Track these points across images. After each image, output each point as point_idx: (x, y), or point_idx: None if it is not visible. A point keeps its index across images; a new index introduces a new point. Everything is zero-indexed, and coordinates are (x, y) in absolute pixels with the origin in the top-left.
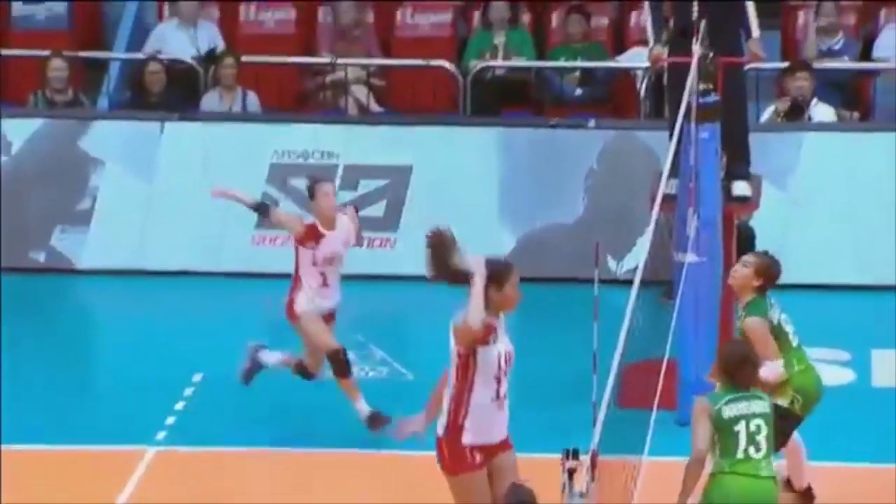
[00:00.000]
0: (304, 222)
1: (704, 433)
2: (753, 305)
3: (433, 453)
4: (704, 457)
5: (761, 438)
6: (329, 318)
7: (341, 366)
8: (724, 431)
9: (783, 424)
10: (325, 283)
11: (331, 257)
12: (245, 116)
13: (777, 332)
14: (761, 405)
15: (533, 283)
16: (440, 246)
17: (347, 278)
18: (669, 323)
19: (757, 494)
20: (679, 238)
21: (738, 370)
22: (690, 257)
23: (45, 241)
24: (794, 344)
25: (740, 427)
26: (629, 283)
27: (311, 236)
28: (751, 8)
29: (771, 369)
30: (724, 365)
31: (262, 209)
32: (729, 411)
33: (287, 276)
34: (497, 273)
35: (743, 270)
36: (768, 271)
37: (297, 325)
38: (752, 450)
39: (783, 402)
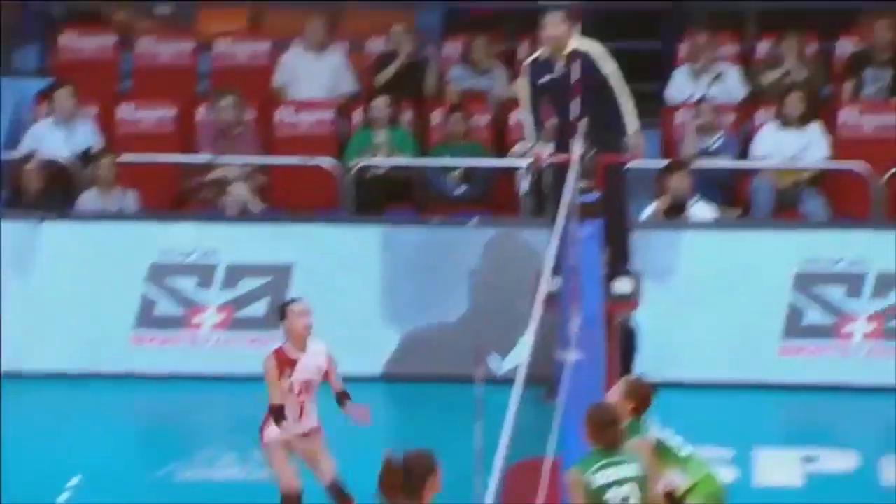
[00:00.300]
0: (271, 357)
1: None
2: (630, 429)
3: None
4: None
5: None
6: (307, 436)
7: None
8: (595, 502)
9: None
10: (301, 414)
11: (307, 383)
12: (124, 215)
13: (660, 451)
14: (632, 469)
15: (416, 382)
16: None
17: (226, 379)
18: (552, 422)
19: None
20: (561, 336)
21: (605, 431)
22: (573, 355)
23: None
24: (684, 455)
25: (610, 495)
26: (512, 381)
27: (284, 365)
28: (627, 104)
29: (664, 483)
30: (591, 427)
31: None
32: (599, 480)
33: (167, 376)
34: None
35: (613, 396)
36: (638, 394)
37: (264, 452)
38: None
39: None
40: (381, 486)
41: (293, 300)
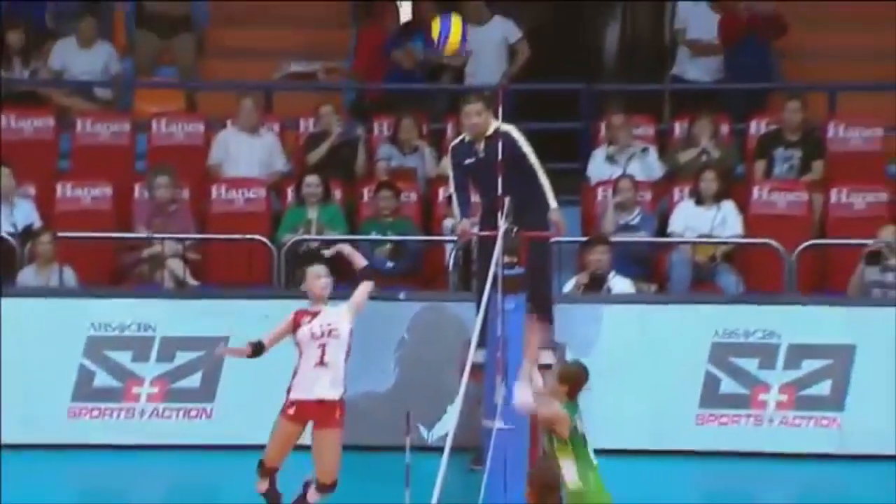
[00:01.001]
0: (291, 313)
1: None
2: (567, 410)
3: None
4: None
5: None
6: (318, 406)
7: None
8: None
9: None
10: (322, 362)
11: (328, 330)
12: (62, 291)
13: (575, 439)
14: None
15: (346, 451)
16: None
17: (162, 448)
18: (479, 488)
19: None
20: (488, 406)
21: (547, 496)
22: (499, 424)
23: None
24: (592, 460)
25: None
26: (440, 450)
27: (301, 317)
28: (545, 182)
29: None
30: (533, 488)
31: (258, 347)
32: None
33: (103, 446)
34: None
35: (549, 381)
36: (571, 376)
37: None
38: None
39: None
40: None
41: (311, 264)
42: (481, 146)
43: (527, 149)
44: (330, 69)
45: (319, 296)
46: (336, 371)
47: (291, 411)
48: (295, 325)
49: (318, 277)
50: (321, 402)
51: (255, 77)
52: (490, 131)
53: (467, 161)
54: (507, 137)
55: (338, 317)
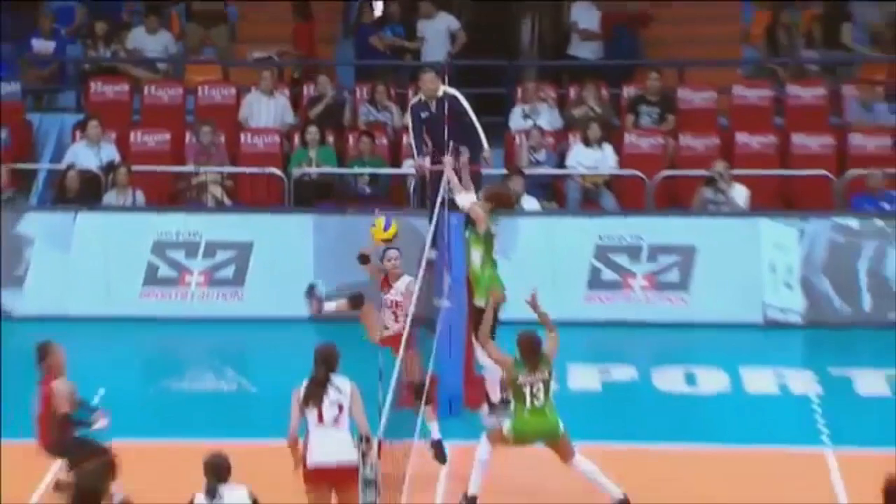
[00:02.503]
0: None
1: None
2: (491, 219)
3: None
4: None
5: (541, 394)
6: (396, 339)
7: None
8: (517, 392)
9: (478, 317)
10: (395, 320)
11: (395, 302)
12: (135, 208)
13: (487, 237)
14: (543, 374)
15: (340, 323)
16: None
17: (206, 320)
18: (432, 348)
19: (541, 425)
20: (437, 289)
21: (527, 352)
22: (445, 303)
23: None
24: (494, 256)
25: (525, 389)
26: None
27: (384, 284)
28: (479, 131)
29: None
30: (520, 349)
31: (357, 300)
32: (522, 379)
33: (169, 319)
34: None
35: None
36: (496, 196)
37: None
38: (532, 403)
39: (480, 303)
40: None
41: (388, 248)
42: (433, 105)
43: (466, 106)
44: (282, 52)
45: (394, 274)
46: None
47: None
48: (381, 288)
49: (391, 260)
50: (398, 335)
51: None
52: (440, 94)
53: (423, 115)
54: (452, 98)
55: (404, 292)
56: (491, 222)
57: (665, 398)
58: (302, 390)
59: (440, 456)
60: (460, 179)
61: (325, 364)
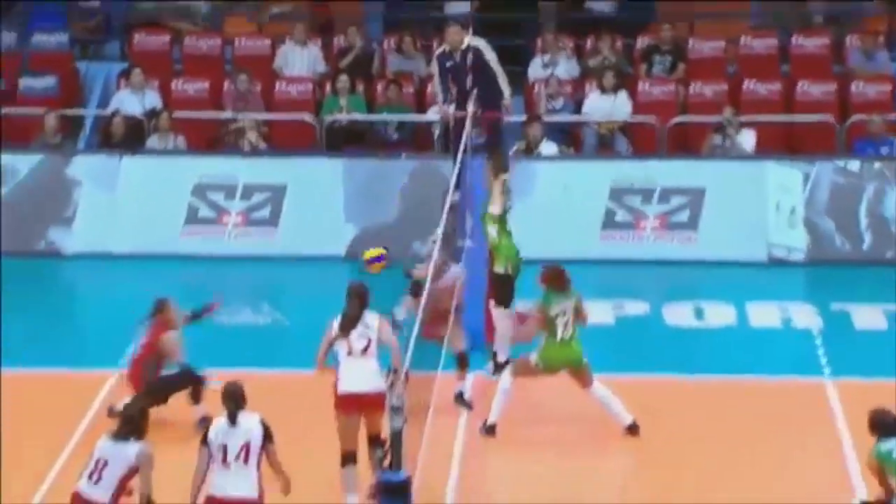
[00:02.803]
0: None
1: (539, 325)
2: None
3: None
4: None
5: (569, 326)
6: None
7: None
8: (549, 322)
9: (497, 283)
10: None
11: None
12: (176, 152)
13: (502, 218)
14: (569, 303)
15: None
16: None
17: (244, 258)
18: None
19: (568, 355)
20: (461, 231)
21: (557, 280)
22: (468, 243)
23: (43, 235)
24: (508, 229)
25: (559, 319)
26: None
27: (435, 276)
28: (503, 80)
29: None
30: (547, 279)
31: (417, 287)
32: (552, 310)
33: (209, 257)
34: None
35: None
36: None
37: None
38: (562, 333)
39: (499, 269)
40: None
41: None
42: (458, 55)
43: (490, 56)
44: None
45: (438, 268)
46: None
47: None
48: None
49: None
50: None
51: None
52: (464, 45)
53: (448, 64)
54: (476, 50)
55: (452, 280)
56: (507, 202)
57: (674, 332)
58: (336, 323)
59: (465, 405)
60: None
61: (359, 299)
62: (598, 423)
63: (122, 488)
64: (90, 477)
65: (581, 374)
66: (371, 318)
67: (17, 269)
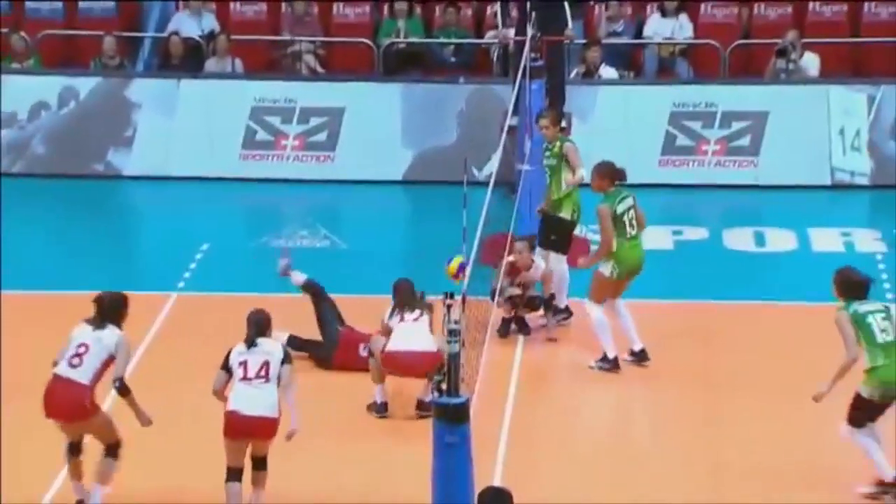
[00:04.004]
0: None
1: (609, 226)
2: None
3: None
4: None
5: (634, 221)
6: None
7: None
8: (617, 220)
9: (566, 231)
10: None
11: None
12: (234, 75)
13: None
14: (631, 199)
15: (425, 185)
16: None
17: (301, 182)
18: (513, 208)
19: (639, 254)
20: (519, 153)
21: (617, 173)
22: (526, 166)
23: (103, 156)
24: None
25: (625, 216)
26: (487, 184)
27: (510, 272)
28: (569, 9)
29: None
30: (604, 174)
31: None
32: (620, 207)
33: (266, 180)
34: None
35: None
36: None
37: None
38: (631, 230)
39: (566, 214)
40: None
41: (518, 239)
42: None
43: None
44: None
45: (525, 265)
46: None
47: None
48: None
49: (521, 252)
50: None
51: None
52: None
53: None
54: None
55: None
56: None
57: (735, 257)
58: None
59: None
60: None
61: (257, 326)
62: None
63: (100, 374)
64: (70, 361)
65: (628, 282)
66: (271, 345)
67: (76, 191)
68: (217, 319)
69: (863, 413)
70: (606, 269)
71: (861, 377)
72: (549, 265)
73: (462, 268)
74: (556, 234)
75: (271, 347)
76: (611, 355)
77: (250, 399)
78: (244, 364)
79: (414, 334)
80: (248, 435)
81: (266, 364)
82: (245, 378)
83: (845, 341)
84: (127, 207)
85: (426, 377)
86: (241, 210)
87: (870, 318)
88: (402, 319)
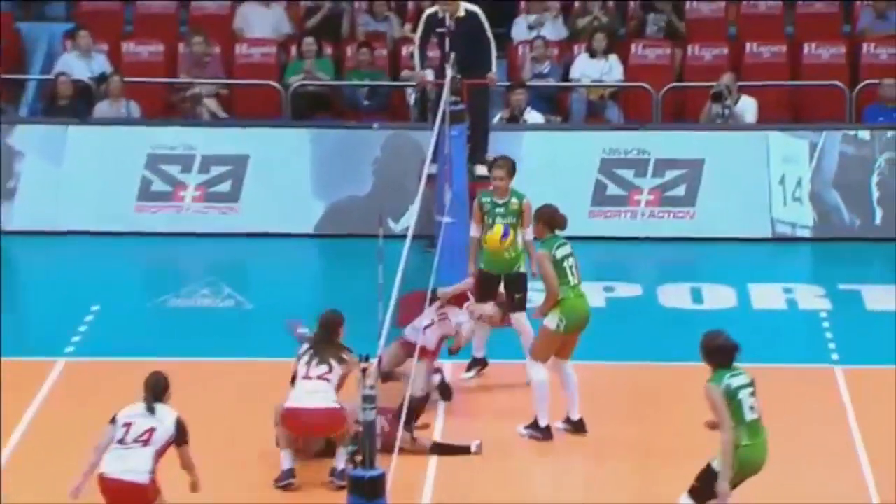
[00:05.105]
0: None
1: (552, 271)
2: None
3: None
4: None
5: (575, 269)
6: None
7: None
8: (558, 266)
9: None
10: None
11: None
12: (128, 120)
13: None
14: (569, 247)
15: (338, 238)
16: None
17: (202, 235)
18: (432, 264)
19: (585, 305)
20: (438, 204)
21: (556, 218)
22: (446, 218)
23: None
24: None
25: (566, 263)
26: (404, 237)
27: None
28: (493, 51)
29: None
30: (544, 221)
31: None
32: (559, 253)
33: (164, 234)
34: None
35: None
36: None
37: None
38: (573, 278)
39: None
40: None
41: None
42: (450, 21)
43: (486, 25)
44: None
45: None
46: None
47: None
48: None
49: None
50: None
51: None
52: (462, 11)
53: (439, 30)
54: (475, 18)
55: None
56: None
57: (671, 314)
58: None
59: (446, 395)
60: None
61: (151, 390)
62: (584, 413)
63: None
64: None
65: (578, 338)
66: (163, 412)
67: None
68: (109, 387)
69: (711, 490)
70: (552, 321)
71: (716, 449)
72: (519, 325)
73: (506, 233)
74: (519, 293)
75: (166, 417)
76: (542, 423)
77: (120, 460)
78: (128, 426)
79: (317, 392)
80: (117, 500)
81: (151, 430)
82: (123, 441)
83: (720, 419)
84: (9, 266)
85: (336, 439)
86: (137, 267)
87: (741, 394)
88: (307, 373)
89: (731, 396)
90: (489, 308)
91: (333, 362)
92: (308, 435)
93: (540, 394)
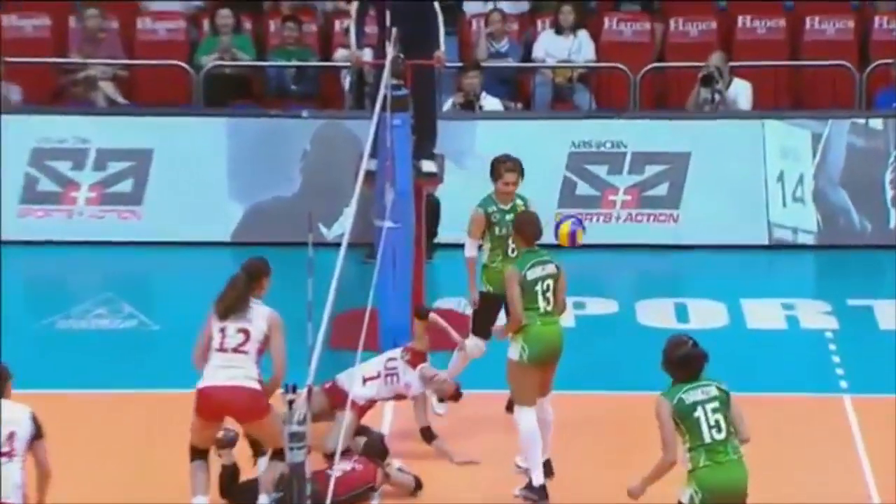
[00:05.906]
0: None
1: (516, 294)
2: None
3: None
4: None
5: (549, 295)
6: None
7: None
8: (526, 289)
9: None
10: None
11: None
12: (9, 107)
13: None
14: (553, 267)
15: (259, 247)
16: None
17: (98, 244)
18: (371, 278)
19: (556, 334)
20: (379, 207)
21: (532, 232)
22: (388, 223)
23: None
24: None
25: (538, 286)
26: (338, 245)
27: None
28: (442, 28)
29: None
30: (523, 234)
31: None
32: (531, 274)
33: (52, 242)
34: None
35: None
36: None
37: None
38: (545, 304)
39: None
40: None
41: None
42: None
43: (436, 2)
44: None
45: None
46: None
47: None
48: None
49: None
50: None
51: None
52: None
53: (378, 1)
54: None
55: None
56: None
57: (652, 335)
58: None
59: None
60: None
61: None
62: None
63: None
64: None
65: (552, 371)
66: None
67: None
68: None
69: None
70: (514, 351)
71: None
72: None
73: (573, 234)
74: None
75: (17, 415)
76: (536, 481)
77: None
78: None
79: (233, 367)
80: None
81: (11, 436)
82: None
83: (661, 437)
84: None
85: (262, 437)
86: (20, 282)
87: (699, 411)
88: (222, 342)
89: (684, 414)
90: (441, 377)
91: (246, 325)
92: (219, 417)
93: (531, 446)
